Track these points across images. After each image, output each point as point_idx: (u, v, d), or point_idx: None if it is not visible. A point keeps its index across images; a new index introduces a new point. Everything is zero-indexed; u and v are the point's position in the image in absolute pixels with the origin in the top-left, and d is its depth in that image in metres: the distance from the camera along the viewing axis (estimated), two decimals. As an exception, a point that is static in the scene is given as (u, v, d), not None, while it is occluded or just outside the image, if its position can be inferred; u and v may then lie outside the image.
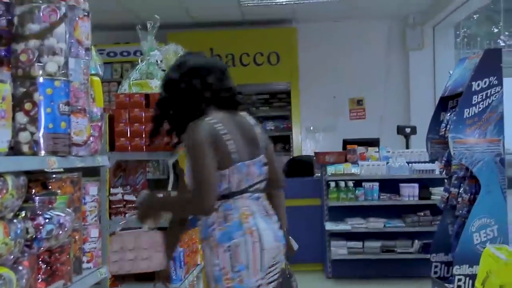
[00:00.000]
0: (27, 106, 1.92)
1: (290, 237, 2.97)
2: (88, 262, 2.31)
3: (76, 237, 2.18)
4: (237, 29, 9.25)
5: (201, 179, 2.43)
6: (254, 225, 2.58)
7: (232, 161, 2.57)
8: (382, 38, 9.47)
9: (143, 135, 3.89)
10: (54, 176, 2.13)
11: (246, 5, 8.29)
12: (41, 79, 1.93)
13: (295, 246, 3.01)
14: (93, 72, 2.32)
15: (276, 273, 2.66)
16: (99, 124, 2.32)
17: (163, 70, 4.20)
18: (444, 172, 5.20)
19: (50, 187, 2.10)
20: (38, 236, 1.79)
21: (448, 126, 4.87)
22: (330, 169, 6.92)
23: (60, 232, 1.86)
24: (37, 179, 2.12)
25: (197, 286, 4.71)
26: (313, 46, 9.34)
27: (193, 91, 2.64)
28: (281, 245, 2.71)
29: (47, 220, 1.82)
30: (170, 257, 3.07)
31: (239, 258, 2.53)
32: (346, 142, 7.52)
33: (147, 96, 3.93)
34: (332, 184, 6.91)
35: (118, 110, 3.92)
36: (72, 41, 2.12)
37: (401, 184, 6.86)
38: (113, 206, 3.88)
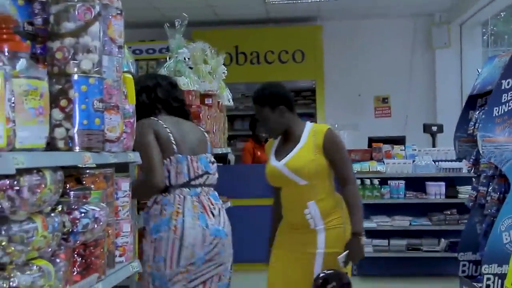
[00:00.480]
0: (63, 102, 1.96)
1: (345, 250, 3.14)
2: (120, 256, 2.35)
3: (109, 231, 2.22)
4: (262, 26, 9.28)
5: (147, 158, 2.85)
6: (180, 223, 2.93)
7: (172, 151, 2.99)
8: (408, 36, 9.41)
9: (171, 132, 3.93)
10: (87, 171, 2.17)
11: (271, 2, 8.31)
12: (76, 77, 1.97)
13: (339, 261, 3.11)
14: (125, 69, 2.35)
15: (215, 268, 3.04)
16: (131, 120, 2.36)
17: (190, 68, 4.25)
18: (472, 171, 5.16)
19: (84, 182, 2.14)
20: (74, 230, 1.83)
21: (477, 124, 4.83)
22: (356, 167, 6.89)
23: (95, 226, 1.90)
24: (71, 175, 2.15)
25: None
26: (338, 44, 9.31)
27: (143, 103, 3.12)
28: (220, 240, 3.02)
29: (83, 214, 1.86)
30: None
31: (160, 251, 2.92)
32: (371, 140, 7.49)
33: (175, 93, 3.98)
34: (358, 182, 6.88)
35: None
36: (106, 39, 2.16)
37: (427, 183, 6.82)
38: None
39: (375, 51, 9.34)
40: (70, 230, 1.82)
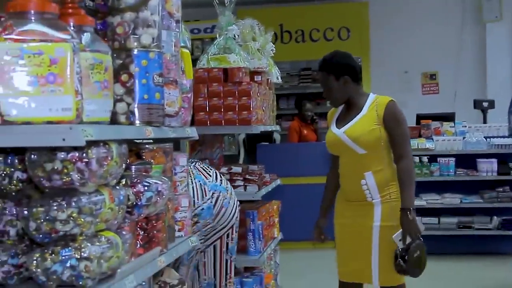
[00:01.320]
0: (124, 77, 1.97)
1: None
2: (179, 230, 2.37)
3: (169, 206, 2.24)
4: (307, 4, 9.18)
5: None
6: None
7: None
8: (457, 10, 9.17)
9: (222, 110, 3.94)
10: (147, 146, 2.18)
11: (316, -21, 8.22)
12: (136, 51, 1.97)
13: (395, 240, 3.12)
14: (182, 44, 2.35)
15: (227, 225, 3.36)
16: (189, 95, 2.37)
17: (240, 45, 4.23)
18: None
19: (143, 157, 2.16)
20: (139, 203, 1.85)
21: (533, 98, 4.68)
22: (404, 144, 6.79)
23: (158, 200, 1.92)
24: (131, 149, 2.18)
25: (274, 258, 4.76)
26: (384, 20, 9.15)
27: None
28: (220, 194, 3.27)
29: (146, 188, 1.87)
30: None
31: None
32: (419, 117, 7.37)
33: (225, 70, 3.97)
34: (409, 159, 6.78)
35: (196, 84, 3.97)
36: (164, 13, 2.15)
37: (478, 159, 6.68)
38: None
39: (422, 27, 9.14)
40: (134, 203, 1.84)
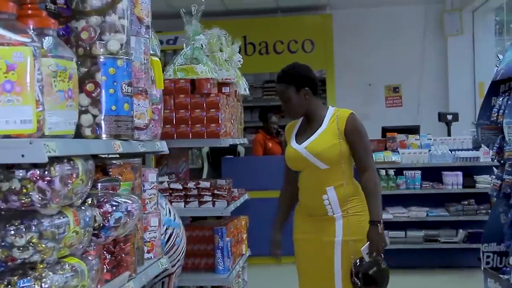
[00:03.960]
0: (89, 87, 1.81)
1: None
2: (148, 252, 2.20)
3: (138, 225, 2.07)
4: (270, 16, 9.09)
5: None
6: None
7: None
8: (419, 23, 9.22)
9: (189, 122, 3.79)
10: (114, 162, 2.02)
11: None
12: (102, 58, 1.82)
13: (363, 252, 3.04)
14: (152, 52, 2.20)
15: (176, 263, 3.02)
16: (159, 107, 2.21)
17: (207, 56, 4.09)
18: (496, 159, 4.99)
19: (111, 173, 1.99)
20: (106, 225, 1.68)
21: (501, 111, 4.66)
22: (371, 157, 6.74)
23: (128, 220, 1.75)
24: (97, 165, 2.00)
25: (242, 276, 4.60)
26: (348, 32, 9.12)
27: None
28: (173, 230, 2.95)
29: (114, 208, 1.71)
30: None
31: None
32: (385, 130, 7.34)
33: (192, 81, 3.82)
34: (374, 172, 6.73)
35: (163, 96, 3.81)
36: (133, 18, 2.00)
37: (444, 172, 6.67)
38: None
39: (385, 40, 9.15)
40: (101, 224, 1.67)
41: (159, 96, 2.21)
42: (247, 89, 4.84)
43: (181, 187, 3.83)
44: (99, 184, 1.86)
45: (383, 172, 6.70)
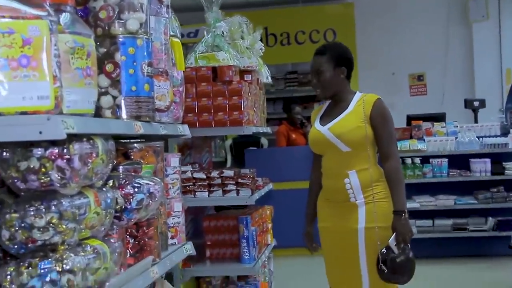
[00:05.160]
0: (109, 67, 1.76)
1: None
2: (172, 238, 2.16)
3: (161, 210, 2.03)
4: (291, 6, 9.00)
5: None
6: None
7: None
8: (443, 10, 9.06)
9: (211, 110, 3.74)
10: (136, 145, 1.97)
11: (300, -20, 8.05)
12: (122, 38, 1.77)
13: (391, 245, 2.97)
14: (172, 33, 2.15)
15: None
16: (180, 89, 2.16)
17: (229, 43, 4.03)
18: (525, 144, 4.87)
19: (132, 157, 1.95)
20: (128, 207, 1.64)
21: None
22: (396, 146, 6.63)
23: (151, 202, 1.71)
24: (118, 149, 1.97)
25: (268, 266, 4.55)
26: (370, 21, 9.01)
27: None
28: None
29: (136, 189, 1.66)
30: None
31: None
32: (410, 118, 7.22)
33: (214, 69, 3.77)
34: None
35: (184, 84, 3.76)
36: (152, -3, 1.96)
37: (471, 160, 6.52)
38: (182, 185, 3.74)
39: (408, 28, 9.01)
40: (123, 207, 1.63)
41: (180, 78, 2.16)
42: (269, 78, 4.77)
43: (204, 176, 3.78)
44: (121, 167, 1.81)
45: (409, 160, 6.59)
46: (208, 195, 3.80)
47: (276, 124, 8.79)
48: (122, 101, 1.76)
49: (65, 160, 1.33)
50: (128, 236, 1.79)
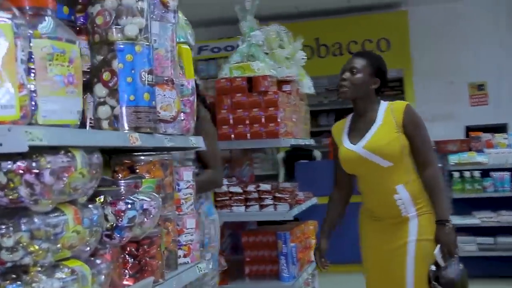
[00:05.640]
0: (106, 76, 1.66)
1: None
2: (185, 256, 2.03)
3: (170, 227, 1.90)
4: (343, 16, 8.79)
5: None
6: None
7: None
8: (503, 16, 8.63)
9: (247, 122, 3.61)
10: (143, 158, 1.86)
11: (352, -11, 7.84)
12: (119, 44, 1.66)
13: (437, 257, 2.84)
14: (182, 40, 2.04)
15: None
16: (191, 98, 2.04)
17: (266, 53, 3.90)
18: None
19: (137, 171, 1.84)
20: (119, 224, 1.52)
21: None
22: (453, 159, 6.33)
23: (145, 220, 1.58)
24: (124, 163, 1.87)
25: (312, 284, 4.36)
26: (426, 29, 8.68)
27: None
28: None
29: (129, 206, 1.54)
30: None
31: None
32: (469, 129, 6.88)
33: (249, 79, 3.65)
34: (456, 174, 6.31)
35: (219, 96, 3.66)
36: (155, 1, 1.85)
37: (537, 173, 6.13)
38: (218, 199, 3.63)
39: (467, 35, 8.62)
40: (114, 224, 1.51)
41: (190, 87, 2.04)
42: (312, 88, 4.61)
43: (241, 190, 3.65)
44: (122, 182, 1.70)
45: (467, 173, 6.27)
46: (245, 210, 3.68)
47: (329, 136, 8.59)
48: (120, 112, 1.65)
49: (33, 175, 1.22)
50: (127, 256, 1.67)
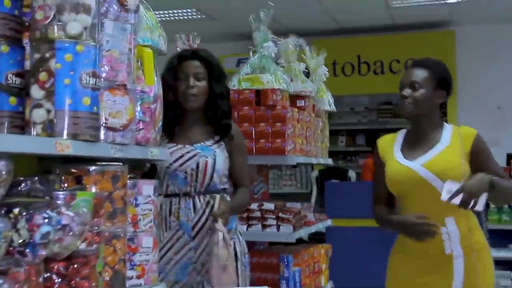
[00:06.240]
0: (42, 76, 1.53)
1: None
2: (138, 277, 1.86)
3: (117, 245, 1.74)
4: (386, 34, 8.51)
5: None
6: None
7: None
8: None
9: (253, 136, 3.44)
10: (92, 169, 1.71)
11: (395, 7, 7.57)
12: (58, 42, 1.53)
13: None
14: (147, 43, 1.89)
15: None
16: (152, 107, 1.87)
17: (279, 65, 3.73)
18: None
19: (83, 182, 1.69)
20: (31, 241, 1.37)
21: None
22: (490, 187, 5.96)
23: (64, 236, 1.42)
24: (72, 172, 1.72)
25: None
26: (473, 50, 8.31)
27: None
28: None
29: (45, 221, 1.39)
30: None
31: None
32: (510, 157, 6.48)
33: (257, 92, 3.48)
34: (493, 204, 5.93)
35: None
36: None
37: None
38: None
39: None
40: (27, 240, 1.36)
41: (152, 94, 1.88)
42: (332, 105, 4.39)
43: (255, 208, 3.46)
44: (56, 193, 1.55)
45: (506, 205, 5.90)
46: (247, 229, 3.48)
47: (366, 157, 8.31)
48: (54, 116, 1.51)
49: None
50: (54, 275, 1.51)
